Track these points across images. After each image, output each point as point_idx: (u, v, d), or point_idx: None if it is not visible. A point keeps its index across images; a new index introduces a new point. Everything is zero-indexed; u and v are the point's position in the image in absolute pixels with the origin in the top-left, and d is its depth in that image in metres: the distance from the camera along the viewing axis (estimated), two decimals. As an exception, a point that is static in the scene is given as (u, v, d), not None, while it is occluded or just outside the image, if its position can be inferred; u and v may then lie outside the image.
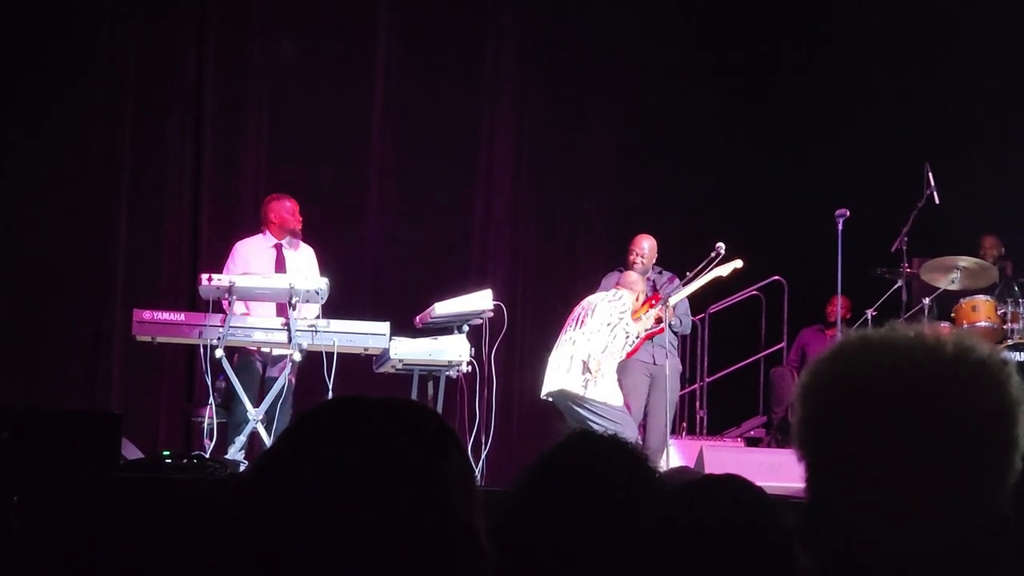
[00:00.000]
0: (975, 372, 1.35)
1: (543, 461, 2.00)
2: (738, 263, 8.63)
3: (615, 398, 8.05)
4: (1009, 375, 1.38)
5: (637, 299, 8.37)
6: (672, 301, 8.39)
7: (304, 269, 8.24)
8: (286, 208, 8.39)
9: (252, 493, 1.51)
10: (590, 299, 8.33)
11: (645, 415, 8.45)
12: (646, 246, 8.75)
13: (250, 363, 8.11)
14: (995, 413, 1.34)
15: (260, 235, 8.47)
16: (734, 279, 9.13)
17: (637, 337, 8.23)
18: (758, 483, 2.02)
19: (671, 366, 8.41)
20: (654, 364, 8.39)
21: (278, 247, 8.40)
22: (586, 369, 7.95)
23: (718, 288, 9.22)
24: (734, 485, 1.97)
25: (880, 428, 1.32)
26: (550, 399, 8.14)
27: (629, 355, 8.27)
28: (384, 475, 1.49)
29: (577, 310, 8.28)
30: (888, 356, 1.35)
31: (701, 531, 1.83)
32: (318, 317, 7.72)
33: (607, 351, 8.06)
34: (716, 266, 8.52)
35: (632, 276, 8.48)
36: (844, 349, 1.40)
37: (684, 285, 8.57)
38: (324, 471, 1.48)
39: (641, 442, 8.41)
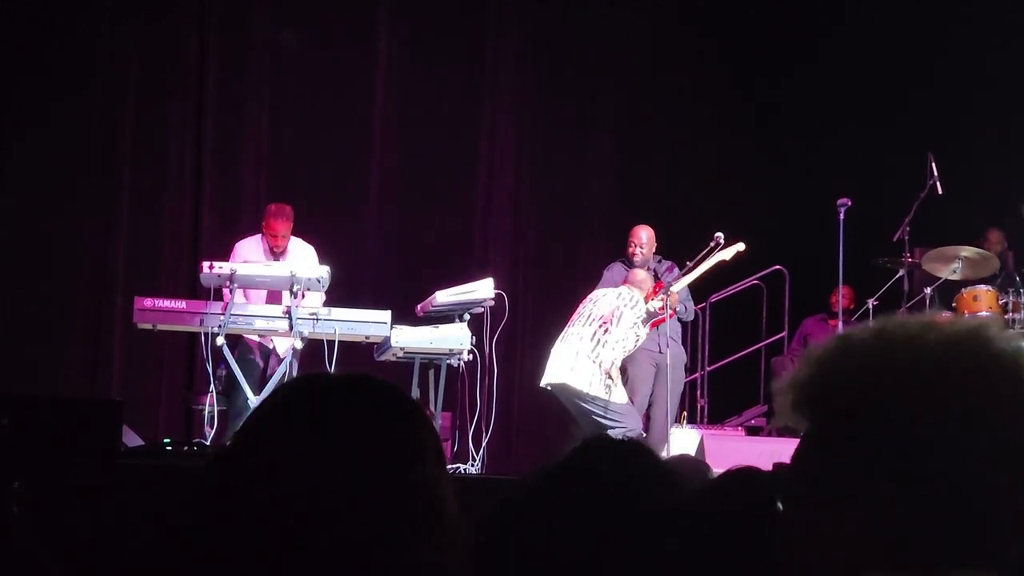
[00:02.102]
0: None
1: (559, 467, 2.00)
2: (740, 246, 8.61)
3: (619, 395, 8.03)
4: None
5: (646, 297, 8.35)
6: (675, 289, 8.37)
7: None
8: (270, 228, 8.37)
9: (222, 472, 1.52)
10: (606, 299, 8.17)
11: (649, 404, 8.45)
12: (644, 236, 8.72)
13: (250, 359, 8.13)
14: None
15: (259, 236, 8.47)
16: (736, 268, 9.12)
17: (638, 341, 8.21)
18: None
19: (673, 355, 8.40)
20: (659, 352, 8.37)
21: (273, 252, 8.41)
22: (608, 377, 7.94)
23: (719, 277, 9.21)
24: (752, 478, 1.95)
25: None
26: (549, 388, 8.13)
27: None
28: (352, 451, 1.49)
29: (588, 305, 8.19)
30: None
31: (727, 531, 1.82)
32: (319, 305, 7.73)
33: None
34: (717, 252, 8.50)
35: (640, 274, 8.44)
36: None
37: (684, 273, 8.55)
38: (293, 448, 1.49)
39: (644, 433, 8.43)
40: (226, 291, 7.64)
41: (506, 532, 1.83)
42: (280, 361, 8.01)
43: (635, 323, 8.08)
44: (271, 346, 8.25)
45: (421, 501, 1.51)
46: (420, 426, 1.57)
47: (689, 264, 8.54)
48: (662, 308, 8.24)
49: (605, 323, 8.00)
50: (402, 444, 1.53)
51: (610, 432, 7.78)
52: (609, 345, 7.94)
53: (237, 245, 8.48)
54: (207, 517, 1.49)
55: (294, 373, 7.70)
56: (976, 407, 1.31)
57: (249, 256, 8.30)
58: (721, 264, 8.60)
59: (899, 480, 1.30)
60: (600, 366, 7.91)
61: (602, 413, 7.86)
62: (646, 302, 8.25)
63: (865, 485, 1.32)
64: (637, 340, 8.12)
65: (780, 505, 1.40)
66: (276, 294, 8.01)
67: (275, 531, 1.45)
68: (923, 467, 1.30)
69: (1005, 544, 1.32)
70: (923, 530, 1.30)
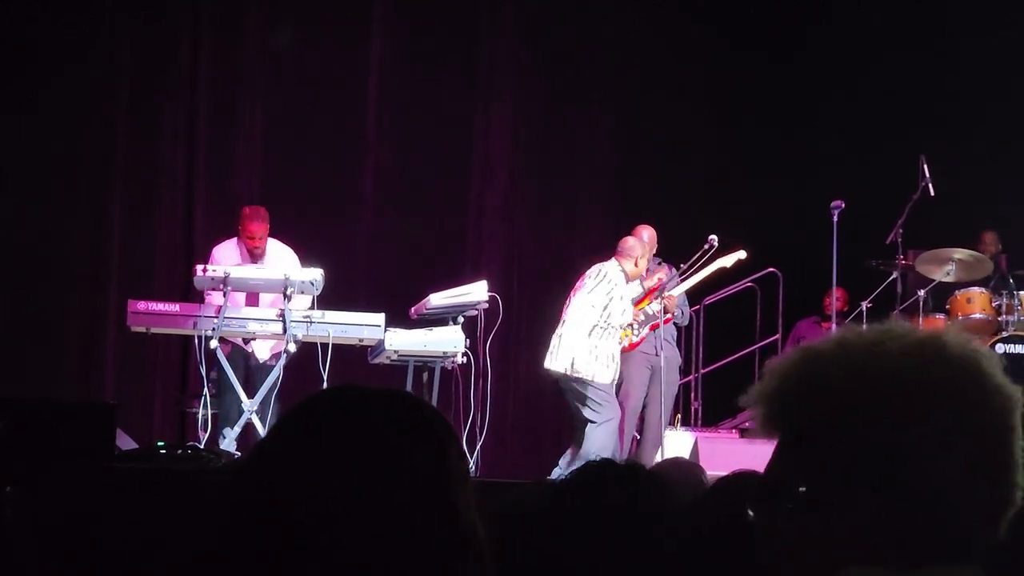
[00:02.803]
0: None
1: (561, 486, 2.02)
2: (742, 254, 8.63)
3: (603, 376, 8.01)
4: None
5: (636, 264, 8.29)
6: (674, 293, 8.37)
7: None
8: (247, 231, 8.23)
9: (249, 482, 1.51)
10: (593, 278, 8.25)
11: (644, 407, 8.45)
12: (645, 236, 8.71)
13: (239, 361, 8.10)
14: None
15: (236, 239, 8.40)
16: (730, 271, 9.13)
17: (632, 305, 8.21)
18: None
19: (668, 358, 8.40)
20: (655, 355, 8.37)
21: (251, 254, 8.36)
22: (612, 359, 7.97)
23: (714, 279, 9.23)
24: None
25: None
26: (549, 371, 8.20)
27: (633, 347, 8.26)
28: (379, 467, 1.48)
29: (580, 290, 8.25)
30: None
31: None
32: (311, 308, 7.71)
33: (605, 331, 8.05)
34: (716, 257, 8.51)
35: (630, 241, 8.36)
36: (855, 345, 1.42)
37: (682, 277, 8.55)
38: (320, 461, 1.48)
39: (638, 435, 8.44)
40: (216, 293, 7.61)
41: (513, 541, 1.84)
42: (258, 363, 8.01)
43: (622, 297, 8.08)
44: (250, 350, 8.19)
45: (449, 521, 1.50)
46: (450, 445, 1.56)
47: (683, 267, 8.54)
48: (659, 312, 8.25)
49: (592, 305, 8.03)
50: (430, 462, 1.52)
51: (591, 425, 7.82)
52: (570, 345, 7.96)
53: (214, 250, 8.38)
54: (233, 527, 1.49)
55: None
56: (952, 411, 1.35)
57: (227, 261, 8.19)
58: (721, 271, 8.61)
59: (881, 486, 1.35)
60: (592, 348, 7.93)
61: (582, 399, 7.89)
62: (642, 302, 8.26)
63: (845, 493, 1.36)
64: (624, 313, 8.11)
65: (751, 514, 1.44)
66: (254, 297, 7.97)
67: (294, 544, 1.44)
68: (903, 473, 1.34)
69: (981, 538, 1.37)
70: (906, 532, 1.35)
